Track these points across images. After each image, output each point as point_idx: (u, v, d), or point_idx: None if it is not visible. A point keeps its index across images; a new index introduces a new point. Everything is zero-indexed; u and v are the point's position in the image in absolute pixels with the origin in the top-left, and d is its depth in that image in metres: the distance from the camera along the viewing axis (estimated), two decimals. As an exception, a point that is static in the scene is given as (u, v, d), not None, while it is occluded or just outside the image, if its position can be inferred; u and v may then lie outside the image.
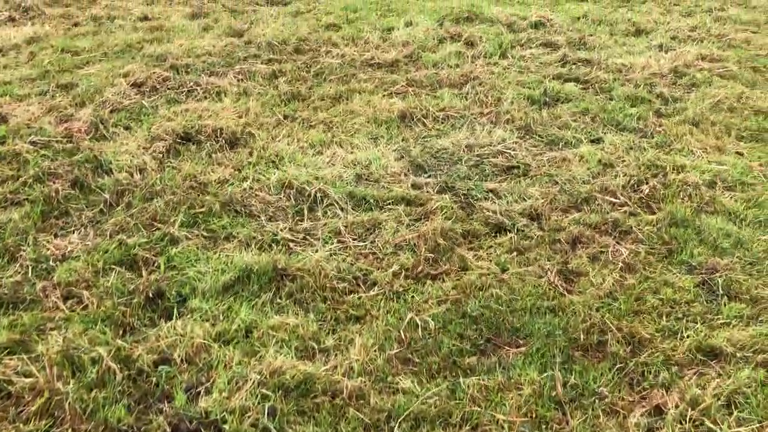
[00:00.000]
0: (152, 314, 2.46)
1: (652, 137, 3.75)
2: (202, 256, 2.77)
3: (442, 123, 4.00)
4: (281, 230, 2.95)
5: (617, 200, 3.10)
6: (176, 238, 2.88)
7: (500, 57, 4.98)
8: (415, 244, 2.80)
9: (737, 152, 3.57)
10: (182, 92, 4.30)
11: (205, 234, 2.92)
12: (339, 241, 2.88)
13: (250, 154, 3.59)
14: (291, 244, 2.86)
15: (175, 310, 2.46)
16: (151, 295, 2.52)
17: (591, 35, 5.48)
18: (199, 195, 3.18)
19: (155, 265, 2.71)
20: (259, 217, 3.06)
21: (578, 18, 5.94)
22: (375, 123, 3.95)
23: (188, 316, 2.43)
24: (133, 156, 3.49)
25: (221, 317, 2.42)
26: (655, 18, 5.92)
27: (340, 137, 3.79)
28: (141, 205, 3.09)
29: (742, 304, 2.43)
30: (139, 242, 2.83)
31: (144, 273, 2.66)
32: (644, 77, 4.57)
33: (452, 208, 3.07)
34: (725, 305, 2.43)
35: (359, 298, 2.50)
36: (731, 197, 3.12)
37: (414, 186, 3.33)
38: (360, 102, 4.20)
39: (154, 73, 4.50)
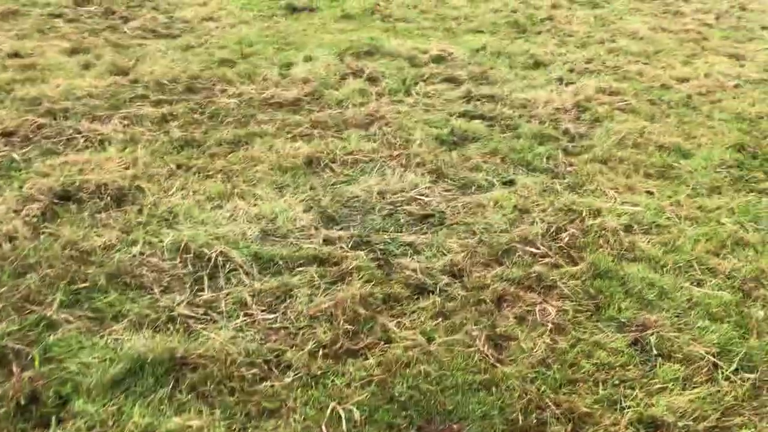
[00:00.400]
0: (25, 425, 2.07)
1: (564, 178, 3.69)
2: (87, 342, 2.40)
3: (351, 168, 3.78)
4: (178, 304, 2.62)
5: (538, 251, 2.98)
6: (55, 322, 2.48)
7: (404, 94, 4.85)
8: (332, 314, 2.55)
9: (647, 191, 3.57)
10: (60, 142, 3.85)
11: (89, 315, 2.54)
12: (246, 315, 2.58)
13: (140, 212, 3.23)
14: (190, 322, 2.53)
15: (54, 417, 2.08)
16: (23, 400, 2.12)
17: (492, 68, 5.46)
18: (81, 266, 2.79)
19: (29, 358, 2.31)
20: (152, 289, 2.71)
21: (477, 50, 5.92)
22: (279, 170, 3.68)
23: (70, 424, 2.06)
24: (1, 222, 3.04)
25: (110, 422, 2.07)
26: (552, 50, 5.99)
27: (241, 188, 3.49)
28: (11, 283, 2.66)
29: (677, 364, 2.34)
30: (9, 330, 2.42)
31: (15, 370, 2.25)
32: (548, 113, 4.56)
33: (369, 268, 2.84)
34: (660, 367, 2.33)
35: (272, 386, 2.22)
36: (649, 241, 3.08)
37: (326, 241, 3.08)
38: (261, 147, 3.91)
39: (26, 119, 4.02)
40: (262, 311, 2.60)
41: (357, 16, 6.93)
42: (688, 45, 6.35)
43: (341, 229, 3.21)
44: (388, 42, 5.94)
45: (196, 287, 2.74)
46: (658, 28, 6.84)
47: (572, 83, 5.13)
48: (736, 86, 5.24)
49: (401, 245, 3.04)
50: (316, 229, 3.19)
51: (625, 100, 4.81)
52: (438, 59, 5.61)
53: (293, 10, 7.09)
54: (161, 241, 2.99)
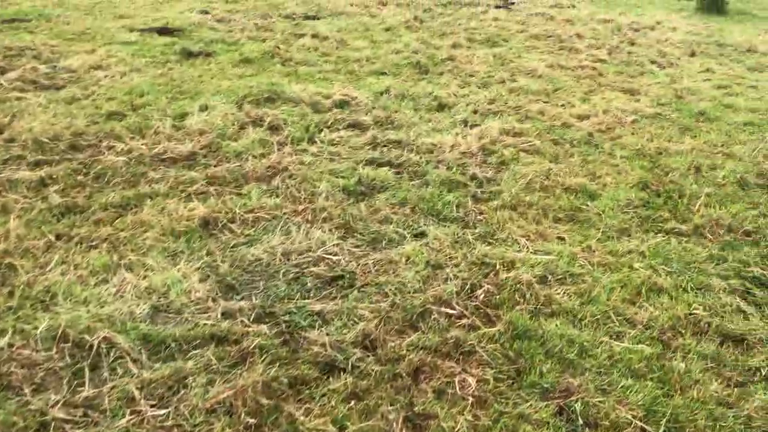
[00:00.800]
0: None
1: (475, 227, 3.58)
2: (-64, 467, 2.03)
3: (253, 227, 3.53)
4: (53, 406, 2.28)
5: (454, 311, 2.82)
6: None
7: (308, 142, 4.65)
8: (231, 405, 2.28)
9: (558, 237, 3.50)
10: None
11: (-59, 430, 2.16)
12: (133, 412, 2.27)
13: (11, 294, 2.85)
14: (67, 427, 2.20)
15: None
16: None
17: (396, 111, 5.36)
18: (-66, 368, 2.40)
19: None
20: (21, 389, 2.36)
21: (381, 93, 5.82)
22: (172, 235, 3.39)
23: None
24: None
25: None
26: (455, 91, 5.97)
27: (129, 258, 3.17)
28: None
29: (604, 433, 2.22)
30: None
31: None
32: (455, 157, 4.47)
33: (273, 345, 2.59)
34: (588, 438, 2.20)
35: (163, 505, 1.93)
36: (565, 293, 2.99)
37: (225, 314, 2.82)
38: (152, 210, 3.60)
39: None
40: (152, 407, 2.30)
41: (256, 60, 6.72)
42: (584, 81, 6.50)
43: (242, 298, 2.95)
44: (289, 87, 5.75)
45: (75, 382, 2.41)
46: (556, 65, 6.99)
47: (477, 125, 5.09)
48: (634, 122, 5.36)
49: (308, 315, 2.81)
50: (214, 300, 2.92)
51: (529, 141, 4.80)
52: (342, 104, 5.46)
53: (189, 55, 6.81)
54: (36, 328, 2.63)
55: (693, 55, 7.82)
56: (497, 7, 10.27)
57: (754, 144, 4.92)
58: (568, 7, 10.71)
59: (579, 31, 8.66)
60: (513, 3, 10.68)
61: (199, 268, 3.13)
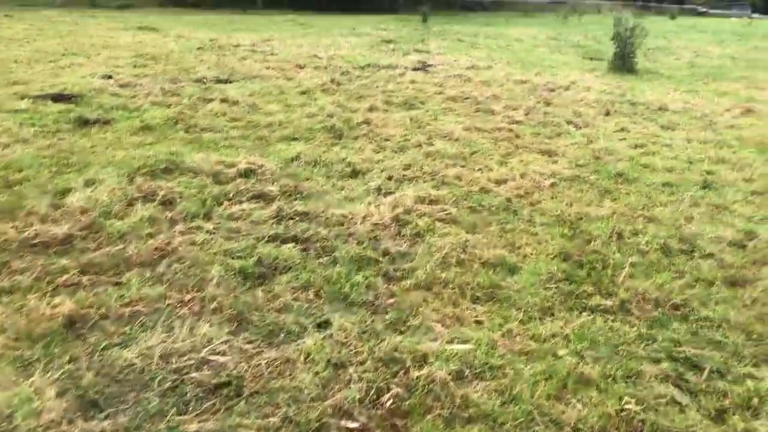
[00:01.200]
0: None
1: (385, 313, 3.21)
2: None
3: (129, 324, 3.05)
4: None
5: (356, 424, 2.41)
6: None
7: (204, 218, 4.21)
8: None
9: (476, 320, 3.17)
10: None
11: None
12: None
13: None
14: None
15: None
16: None
17: (307, 180, 5.01)
18: None
19: None
20: None
21: (291, 160, 5.47)
22: (28, 340, 2.86)
23: None
24: None
25: None
26: (369, 156, 5.69)
27: (-29, 373, 2.64)
28: None
29: None
30: None
31: None
32: (367, 230, 4.13)
33: (131, 485, 2.11)
34: None
35: None
36: (484, 390, 2.62)
37: (81, 441, 2.32)
38: (7, 309, 3.07)
39: None
40: None
41: (157, 127, 6.29)
42: (502, 144, 6.35)
43: (106, 417, 2.46)
44: (189, 156, 5.33)
45: None
46: (473, 127, 6.84)
47: (391, 193, 4.79)
48: (552, 185, 5.18)
49: (181, 439, 2.34)
50: (70, 422, 2.42)
51: (446, 210, 4.52)
52: (246, 173, 5.07)
53: (84, 123, 6.31)
54: None
55: (608, 114, 7.86)
56: (415, 69, 10.23)
57: (675, 205, 4.80)
58: (485, 68, 10.78)
59: (495, 93, 8.63)
60: (431, 65, 10.67)
61: (57, 380, 2.63)
